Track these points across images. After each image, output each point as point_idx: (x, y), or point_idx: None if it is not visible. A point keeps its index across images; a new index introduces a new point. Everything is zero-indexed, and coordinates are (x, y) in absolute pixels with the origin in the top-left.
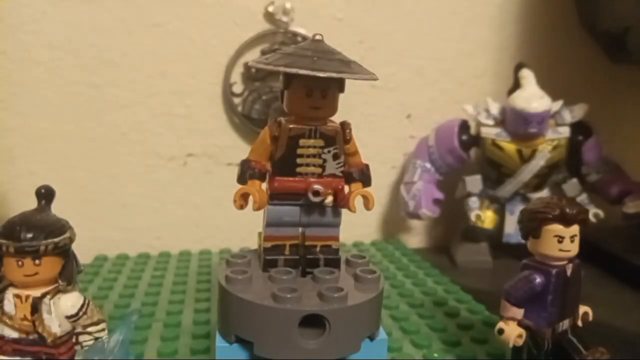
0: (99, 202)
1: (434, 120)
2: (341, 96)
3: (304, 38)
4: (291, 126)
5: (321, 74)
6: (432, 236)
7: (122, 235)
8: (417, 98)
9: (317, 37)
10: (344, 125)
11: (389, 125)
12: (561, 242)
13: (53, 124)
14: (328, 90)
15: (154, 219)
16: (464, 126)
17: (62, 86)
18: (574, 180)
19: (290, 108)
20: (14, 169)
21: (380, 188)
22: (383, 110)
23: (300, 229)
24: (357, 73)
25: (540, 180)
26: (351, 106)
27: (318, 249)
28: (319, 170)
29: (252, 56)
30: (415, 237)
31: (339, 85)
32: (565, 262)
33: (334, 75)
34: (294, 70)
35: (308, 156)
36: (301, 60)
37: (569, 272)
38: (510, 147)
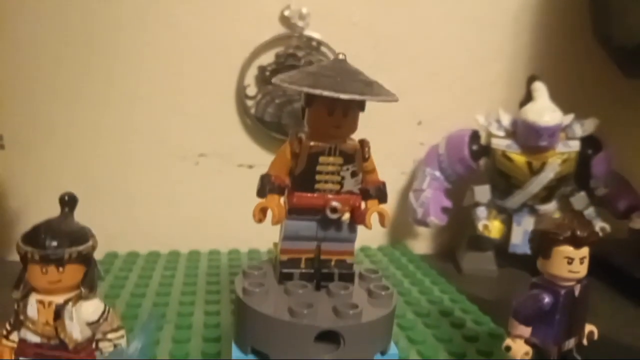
0: (110, 199)
1: (444, 127)
2: None
3: (319, 42)
4: (312, 144)
5: (344, 96)
6: (439, 242)
7: (132, 233)
8: (428, 104)
9: (340, 57)
10: (363, 144)
11: (399, 131)
12: (571, 264)
13: (64, 120)
14: (349, 110)
15: (164, 217)
16: (474, 136)
17: (73, 82)
18: (582, 194)
19: (312, 125)
20: (27, 165)
21: (389, 193)
22: (394, 115)
23: (315, 243)
24: (379, 95)
25: (548, 193)
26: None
27: (333, 263)
28: (337, 187)
29: (267, 59)
30: (422, 243)
31: (360, 104)
32: (573, 283)
33: (357, 97)
34: (317, 92)
35: (327, 173)
36: (324, 80)
37: (577, 293)
38: (520, 159)
